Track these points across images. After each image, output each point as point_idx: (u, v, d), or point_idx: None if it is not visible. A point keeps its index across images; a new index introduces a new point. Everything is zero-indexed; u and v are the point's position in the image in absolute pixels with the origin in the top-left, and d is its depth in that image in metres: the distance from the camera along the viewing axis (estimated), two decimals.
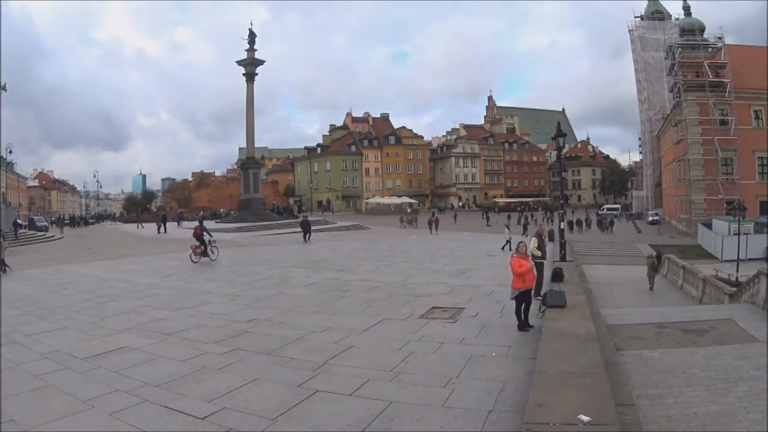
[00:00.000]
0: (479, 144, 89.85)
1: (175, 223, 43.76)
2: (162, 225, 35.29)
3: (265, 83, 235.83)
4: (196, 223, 20.15)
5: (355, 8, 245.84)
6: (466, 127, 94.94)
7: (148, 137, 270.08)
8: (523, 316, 7.76)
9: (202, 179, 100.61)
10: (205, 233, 18.02)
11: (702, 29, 48.37)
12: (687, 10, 53.31)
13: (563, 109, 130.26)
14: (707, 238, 33.66)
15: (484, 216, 51.63)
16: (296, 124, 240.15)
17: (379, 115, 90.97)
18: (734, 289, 13.99)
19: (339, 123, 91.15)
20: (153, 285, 12.79)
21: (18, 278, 14.51)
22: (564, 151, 22.11)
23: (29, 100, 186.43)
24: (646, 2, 62.72)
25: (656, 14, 60.31)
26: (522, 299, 7.78)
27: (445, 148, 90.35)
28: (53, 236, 34.04)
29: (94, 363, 6.29)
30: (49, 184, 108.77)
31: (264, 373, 5.90)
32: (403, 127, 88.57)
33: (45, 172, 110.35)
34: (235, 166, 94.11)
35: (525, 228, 35.64)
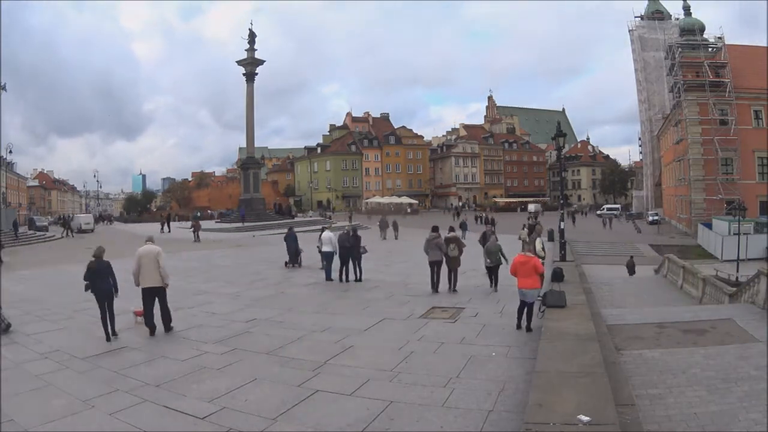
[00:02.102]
0: (479, 144, 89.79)
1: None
2: (165, 225, 36.18)
3: (315, 57, 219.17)
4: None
5: None
6: (466, 126, 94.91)
7: (163, 125, 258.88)
8: (526, 318, 7.71)
9: (202, 179, 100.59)
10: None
11: (702, 29, 48.39)
12: (687, 10, 53.37)
13: (563, 109, 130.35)
14: (707, 238, 33.65)
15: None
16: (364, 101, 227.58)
17: (379, 115, 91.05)
18: (734, 289, 13.98)
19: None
20: None
21: (18, 278, 14.50)
22: (564, 151, 22.12)
23: (27, 72, 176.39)
24: (646, 2, 62.74)
25: (656, 14, 60.33)
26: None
27: (445, 148, 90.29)
28: (53, 236, 34.06)
29: (94, 363, 6.29)
30: (49, 183, 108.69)
31: (264, 373, 5.90)
32: (403, 126, 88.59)
33: (45, 172, 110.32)
34: (235, 166, 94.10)
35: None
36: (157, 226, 38.44)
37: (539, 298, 8.58)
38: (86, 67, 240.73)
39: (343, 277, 12.76)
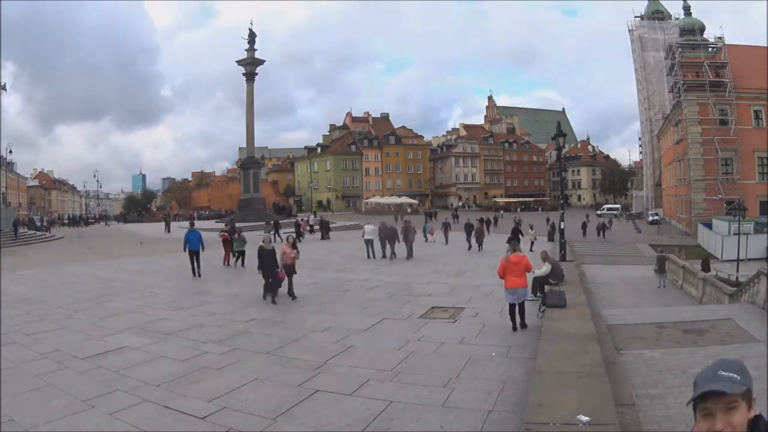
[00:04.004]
0: (479, 144, 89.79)
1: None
2: (167, 225, 36.40)
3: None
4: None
5: None
6: (466, 126, 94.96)
7: (176, 113, 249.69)
8: (519, 317, 7.66)
9: (202, 179, 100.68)
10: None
11: (702, 29, 48.46)
12: (687, 10, 53.41)
13: (563, 109, 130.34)
14: (707, 238, 33.65)
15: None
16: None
17: (379, 115, 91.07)
18: (734, 289, 13.98)
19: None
20: (153, 285, 12.79)
21: (18, 278, 14.50)
22: (564, 151, 22.15)
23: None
24: (646, 2, 62.75)
25: (656, 14, 60.37)
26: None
27: (445, 148, 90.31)
28: (53, 236, 34.06)
29: (94, 363, 6.28)
30: (49, 183, 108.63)
31: (264, 373, 5.90)
32: (403, 126, 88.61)
33: (45, 171, 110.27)
34: (235, 166, 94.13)
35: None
36: (156, 226, 38.57)
37: (536, 298, 8.57)
38: (96, 20, 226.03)
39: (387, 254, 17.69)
